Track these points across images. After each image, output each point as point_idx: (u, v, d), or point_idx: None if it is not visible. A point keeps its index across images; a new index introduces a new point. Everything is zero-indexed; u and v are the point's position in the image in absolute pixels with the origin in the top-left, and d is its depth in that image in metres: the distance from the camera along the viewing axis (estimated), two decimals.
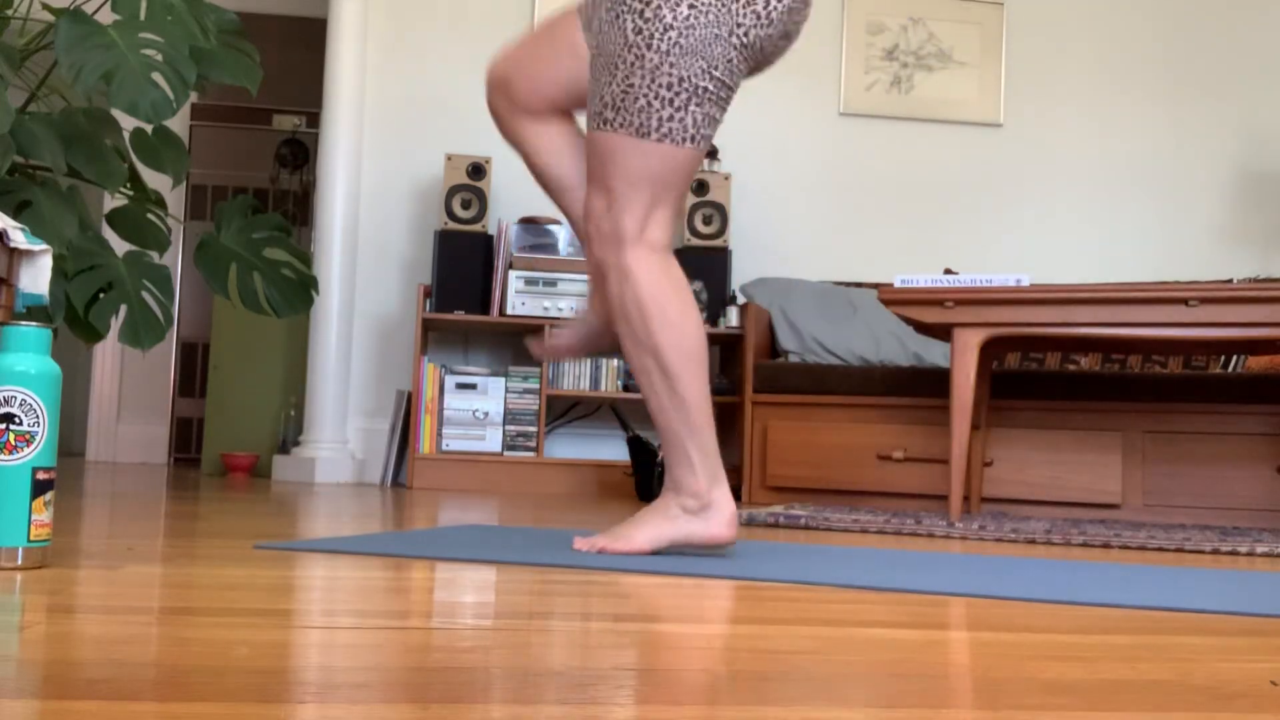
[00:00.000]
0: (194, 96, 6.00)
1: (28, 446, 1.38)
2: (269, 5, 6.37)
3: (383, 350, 4.82)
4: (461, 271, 4.43)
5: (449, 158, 4.48)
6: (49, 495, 1.41)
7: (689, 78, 1.81)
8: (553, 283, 4.43)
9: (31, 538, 1.39)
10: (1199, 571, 1.99)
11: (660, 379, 1.84)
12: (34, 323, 1.43)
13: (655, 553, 1.85)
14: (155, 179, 5.59)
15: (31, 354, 1.40)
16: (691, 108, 1.83)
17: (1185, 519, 3.63)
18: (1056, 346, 3.35)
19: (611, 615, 1.21)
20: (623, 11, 1.83)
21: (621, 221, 1.87)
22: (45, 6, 2.86)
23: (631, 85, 1.82)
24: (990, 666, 0.99)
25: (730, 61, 1.84)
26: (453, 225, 4.44)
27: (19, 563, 1.38)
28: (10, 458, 1.38)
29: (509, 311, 4.40)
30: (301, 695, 0.78)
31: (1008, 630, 1.21)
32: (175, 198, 6.14)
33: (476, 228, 4.45)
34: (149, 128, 3.18)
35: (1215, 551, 2.49)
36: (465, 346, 4.84)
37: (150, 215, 3.16)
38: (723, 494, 1.87)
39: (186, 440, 6.26)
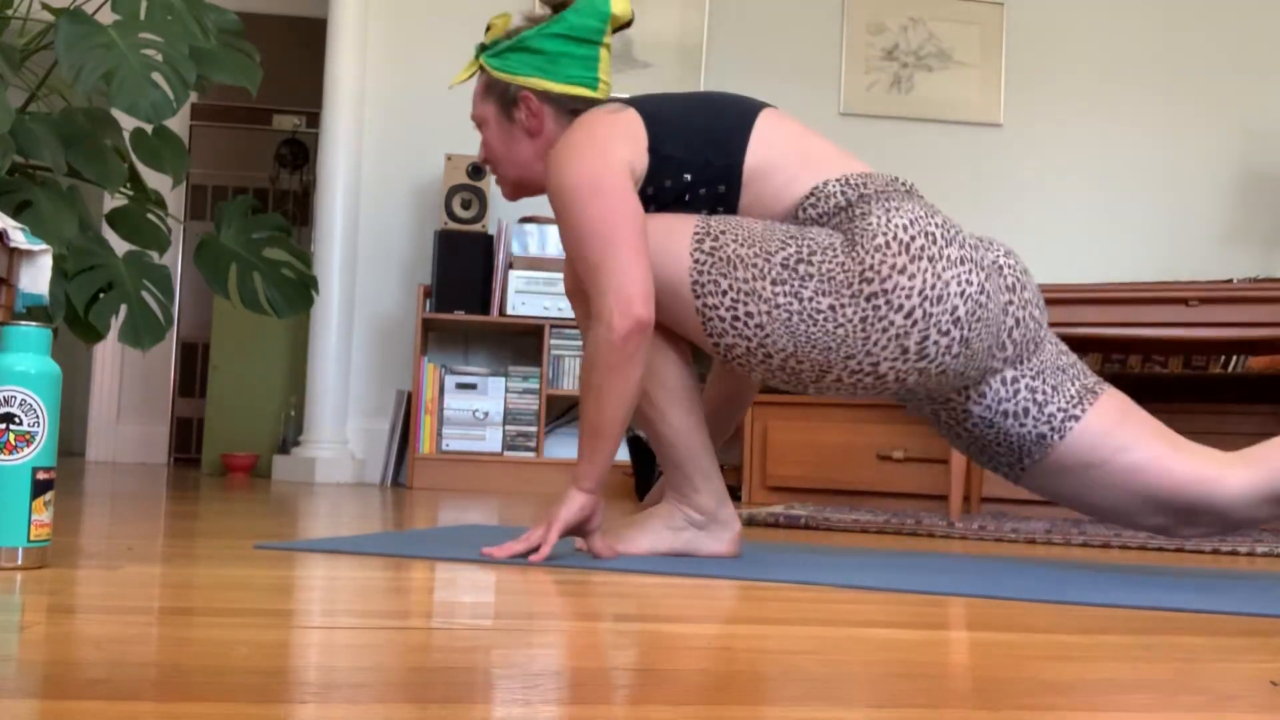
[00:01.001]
0: (194, 96, 6.00)
1: (28, 446, 1.38)
2: (269, 5, 6.37)
3: (383, 350, 4.82)
4: (461, 271, 4.43)
5: (449, 158, 4.49)
6: (49, 495, 1.41)
7: (771, 342, 1.71)
8: (553, 282, 4.43)
9: (31, 538, 1.39)
10: (1199, 571, 1.99)
11: (650, 414, 1.84)
12: (34, 323, 1.43)
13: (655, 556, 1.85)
14: (155, 179, 5.59)
15: (31, 354, 1.40)
16: (748, 346, 1.73)
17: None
18: None
19: (611, 615, 1.21)
20: (786, 244, 1.72)
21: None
22: (45, 6, 2.86)
23: (732, 280, 1.71)
24: (990, 666, 0.99)
25: (827, 376, 1.72)
26: (453, 225, 4.45)
27: (19, 563, 1.38)
28: (10, 458, 1.38)
29: (509, 311, 4.40)
30: (301, 695, 0.78)
31: (1008, 630, 1.21)
32: (175, 198, 6.14)
33: (476, 228, 4.46)
34: (149, 128, 3.18)
35: (1215, 551, 2.49)
36: (465, 346, 4.85)
37: (150, 215, 3.16)
38: (730, 512, 1.87)
39: (186, 440, 6.26)
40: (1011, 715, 0.80)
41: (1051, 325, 3.11)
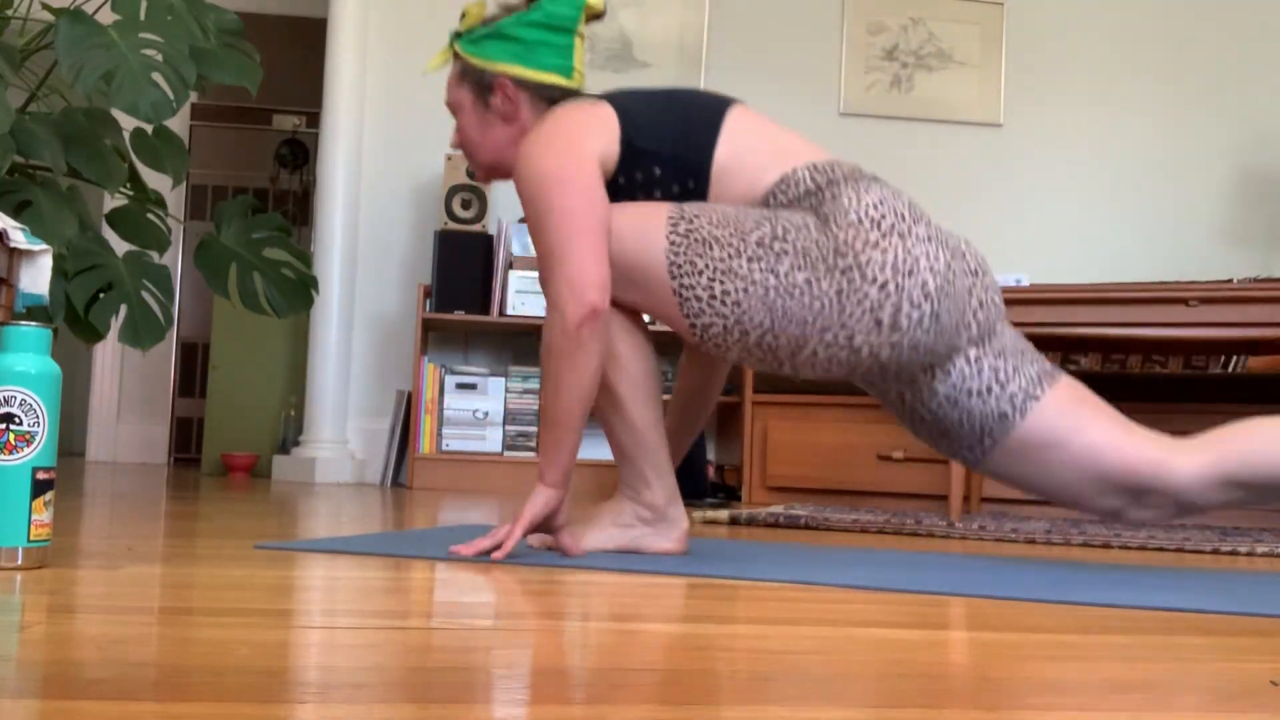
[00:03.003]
0: (194, 96, 6.00)
1: (28, 446, 1.38)
2: (269, 5, 6.36)
3: (383, 350, 4.82)
4: (461, 271, 4.43)
5: (449, 158, 4.48)
6: (49, 495, 1.41)
7: (749, 319, 1.74)
8: None
9: (31, 538, 1.39)
10: (1199, 571, 1.99)
11: (609, 406, 1.84)
12: (34, 323, 1.43)
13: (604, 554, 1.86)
14: (155, 179, 5.59)
15: (31, 354, 1.40)
16: (725, 324, 1.75)
17: (1185, 519, 3.63)
18: (1056, 346, 3.34)
19: (611, 615, 1.21)
20: (761, 224, 1.76)
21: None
22: (45, 6, 2.86)
23: (709, 259, 1.74)
24: (990, 666, 0.99)
25: (803, 351, 1.75)
26: (453, 225, 4.44)
27: (19, 563, 1.38)
28: (10, 458, 1.38)
29: (509, 311, 4.40)
30: (301, 695, 0.78)
31: (1008, 630, 1.21)
32: (175, 198, 6.14)
33: (476, 228, 4.45)
34: (149, 128, 3.18)
35: (1215, 551, 2.49)
36: (465, 346, 4.84)
37: (150, 215, 3.16)
38: (678, 511, 1.88)
39: (186, 440, 6.26)
40: (1011, 715, 0.80)
41: (1052, 325, 3.11)
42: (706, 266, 1.75)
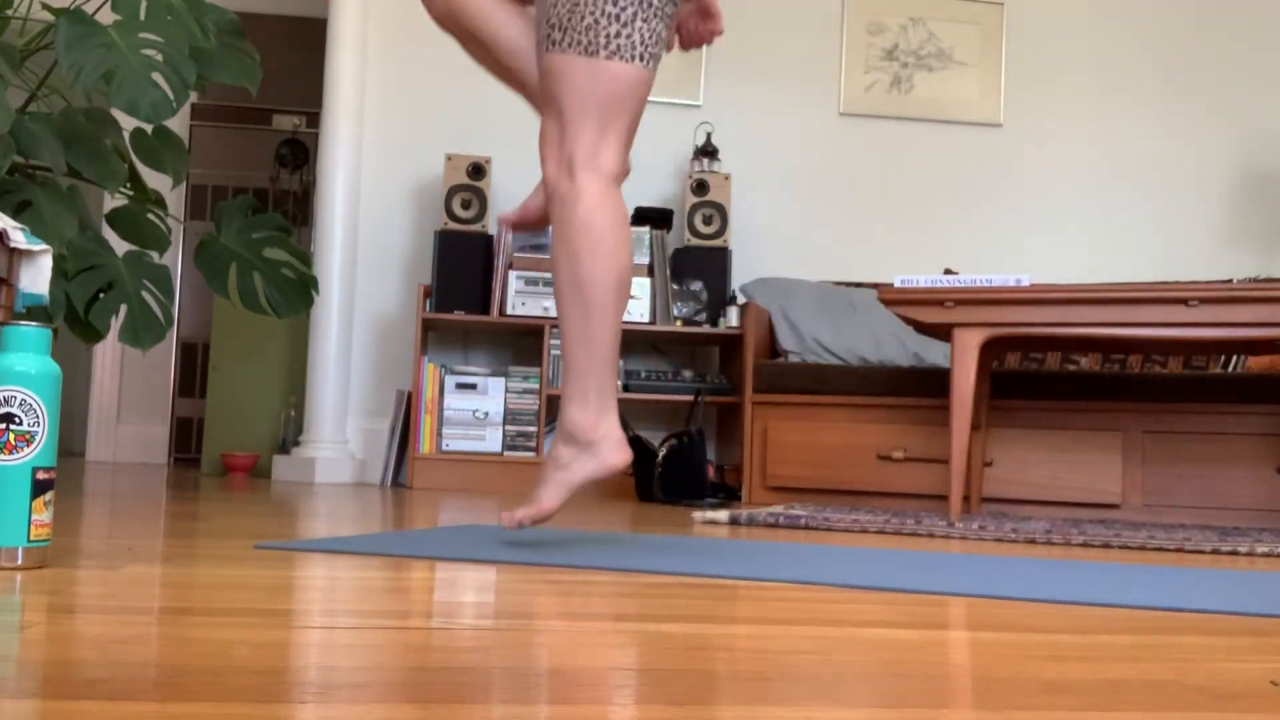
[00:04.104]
0: (194, 96, 6.00)
1: (28, 446, 1.38)
2: (269, 5, 6.36)
3: (383, 350, 4.82)
4: (461, 271, 4.43)
5: (449, 158, 4.49)
6: (49, 495, 1.41)
7: None
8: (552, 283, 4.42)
9: (31, 538, 1.39)
10: (1199, 571, 1.99)
11: (579, 307, 1.85)
12: (34, 323, 1.43)
13: (565, 503, 1.87)
14: (155, 179, 5.60)
15: (31, 354, 1.40)
16: (638, 23, 1.85)
17: (1185, 519, 3.63)
18: (1056, 346, 3.34)
19: (611, 615, 1.21)
20: None
21: (574, 143, 1.88)
22: (45, 6, 2.86)
23: (578, 4, 1.84)
24: (990, 666, 0.99)
25: None
26: (453, 225, 4.45)
27: (19, 563, 1.38)
28: (10, 458, 1.38)
29: (509, 312, 4.40)
30: (301, 695, 0.78)
31: (1008, 630, 1.21)
32: (175, 198, 6.14)
33: (476, 228, 4.46)
34: (149, 128, 3.18)
35: (1215, 551, 2.49)
36: (465, 346, 4.84)
37: (150, 215, 3.16)
38: (609, 422, 1.87)
39: (186, 440, 6.25)
40: (1011, 715, 0.80)
41: (1051, 325, 3.11)
42: (595, 18, 1.85)
